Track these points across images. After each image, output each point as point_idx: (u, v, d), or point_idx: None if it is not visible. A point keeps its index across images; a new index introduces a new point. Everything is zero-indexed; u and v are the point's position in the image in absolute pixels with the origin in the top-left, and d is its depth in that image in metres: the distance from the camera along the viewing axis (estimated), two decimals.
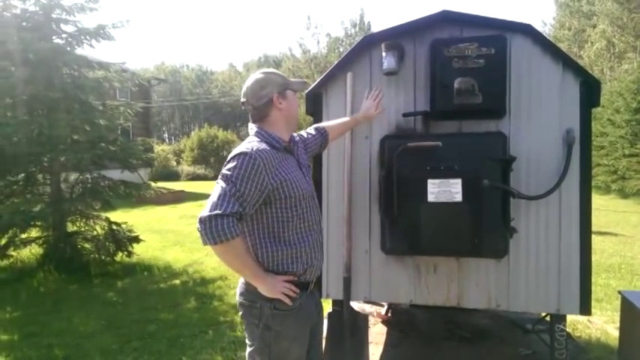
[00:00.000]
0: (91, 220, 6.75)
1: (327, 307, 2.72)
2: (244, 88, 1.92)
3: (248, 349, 1.85)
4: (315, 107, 2.72)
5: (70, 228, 6.71)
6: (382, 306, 3.76)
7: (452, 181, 2.29)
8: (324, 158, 2.68)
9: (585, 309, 2.41)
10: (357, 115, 2.54)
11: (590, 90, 2.40)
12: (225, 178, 1.68)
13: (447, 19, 2.52)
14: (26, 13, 6.23)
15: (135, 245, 6.88)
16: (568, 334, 3.17)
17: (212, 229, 1.59)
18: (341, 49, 45.11)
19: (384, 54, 2.51)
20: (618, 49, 23.97)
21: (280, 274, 1.80)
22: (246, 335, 1.86)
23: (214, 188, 1.70)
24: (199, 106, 50.55)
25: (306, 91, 2.73)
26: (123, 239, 6.75)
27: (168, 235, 9.33)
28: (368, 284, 2.65)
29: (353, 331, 2.63)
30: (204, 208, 1.66)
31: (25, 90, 5.84)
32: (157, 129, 49.74)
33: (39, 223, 6.43)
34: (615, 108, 16.43)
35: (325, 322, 2.75)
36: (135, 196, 7.31)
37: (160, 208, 13.45)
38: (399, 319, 3.48)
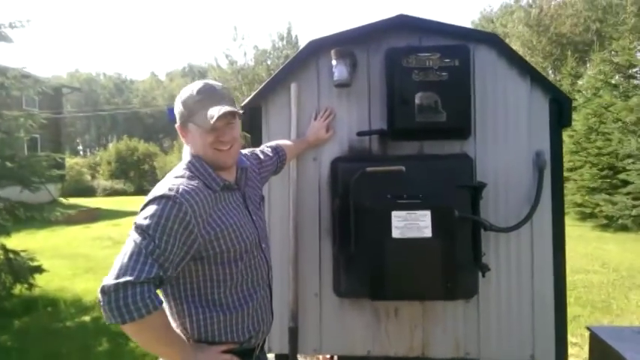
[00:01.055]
0: None
1: None
2: None
3: None
4: (252, 123, 2.28)
5: None
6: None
7: (419, 212, 1.93)
8: (267, 184, 2.23)
9: (561, 354, 2.16)
10: (307, 137, 2.19)
11: (560, 108, 2.18)
12: (141, 230, 1.23)
13: (404, 25, 2.20)
14: None
15: (37, 276, 5.99)
16: None
17: (119, 303, 1.16)
18: (269, 62, 44.87)
19: (334, 62, 2.14)
20: None
21: (216, 344, 1.36)
22: None
23: (125, 243, 1.24)
24: (117, 116, 47.71)
25: (243, 103, 2.29)
26: (22, 269, 5.82)
27: (79, 260, 8.33)
28: (318, 334, 2.22)
29: None
30: (109, 273, 1.19)
31: None
32: (69, 141, 46.22)
33: None
34: None
35: None
36: (38, 219, 6.36)
37: (71, 228, 12.16)
38: None
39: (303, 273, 2.22)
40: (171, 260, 1.24)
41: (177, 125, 1.45)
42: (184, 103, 1.42)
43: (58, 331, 4.82)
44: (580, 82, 15.12)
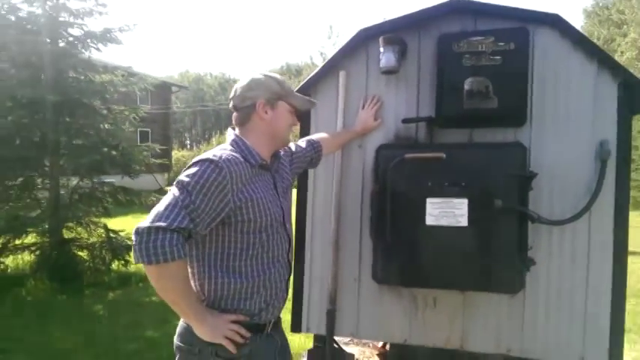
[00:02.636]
0: (89, 227, 6.50)
1: (309, 343, 2.34)
2: (235, 86, 1.62)
3: None
4: (301, 111, 2.35)
5: (67, 235, 6.47)
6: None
7: (456, 201, 1.87)
8: (311, 170, 2.30)
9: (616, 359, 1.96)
10: (354, 127, 2.22)
11: (631, 93, 1.97)
12: (181, 186, 1.35)
13: (458, 9, 2.13)
14: (32, 16, 6.07)
15: (132, 255, 6.59)
16: None
17: (149, 245, 1.26)
18: None
19: (381, 49, 2.14)
20: None
21: (228, 312, 1.43)
22: None
23: (165, 196, 1.36)
24: (221, 112, 50.79)
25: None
26: (120, 247, 6.47)
27: None
28: (356, 318, 2.24)
29: None
30: (146, 218, 1.31)
31: (25, 93, 5.65)
32: (178, 135, 50.16)
33: (34, 229, 6.22)
34: None
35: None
36: (136, 203, 7.05)
37: None
38: (397, 353, 3.05)
39: (343, 257, 2.25)
40: (202, 218, 1.33)
41: (261, 101, 1.55)
42: (281, 84, 1.59)
43: (144, 304, 5.30)
44: None
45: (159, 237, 1.26)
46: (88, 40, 6.52)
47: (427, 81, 2.18)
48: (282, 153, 1.73)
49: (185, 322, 1.47)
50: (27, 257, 6.44)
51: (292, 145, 1.90)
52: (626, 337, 3.74)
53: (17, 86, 5.65)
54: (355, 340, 3.40)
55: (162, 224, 1.27)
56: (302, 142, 2.00)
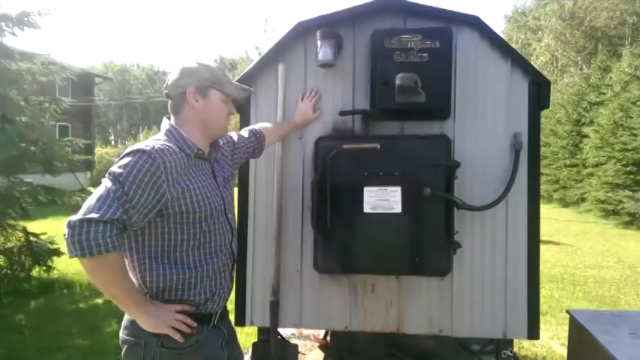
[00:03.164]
0: (5, 231, 6.03)
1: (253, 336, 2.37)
2: (169, 74, 1.60)
3: None
4: (240, 103, 2.37)
5: None
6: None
7: (390, 189, 2.00)
8: (252, 161, 2.33)
9: (533, 333, 2.19)
10: (294, 118, 2.28)
11: (539, 90, 2.19)
12: (113, 177, 1.34)
13: (389, 7, 2.25)
14: None
15: (56, 259, 6.20)
16: (514, 355, 2.98)
17: (81, 237, 1.25)
18: None
19: (319, 43, 2.20)
20: (561, 62, 25.19)
21: (173, 303, 1.44)
22: None
23: (97, 188, 1.34)
24: (149, 106, 48.67)
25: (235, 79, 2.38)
26: (41, 252, 6.07)
27: None
28: (298, 308, 2.31)
29: None
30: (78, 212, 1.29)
31: None
32: (102, 130, 47.45)
33: None
34: (557, 119, 17.08)
35: (249, 353, 2.40)
36: (59, 204, 6.63)
37: None
38: (337, 343, 3.16)
39: (285, 249, 2.30)
40: (137, 209, 1.32)
41: (191, 89, 1.53)
42: (213, 71, 1.56)
43: (70, 312, 5.02)
44: (610, 76, 14.69)
45: (91, 229, 1.25)
46: (3, 24, 6.01)
47: (362, 75, 2.28)
48: (222, 142, 1.73)
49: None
50: None
51: (234, 135, 1.92)
52: (543, 319, 4.16)
53: None
54: (297, 334, 3.47)
55: (95, 216, 1.25)
56: (244, 132, 2.01)
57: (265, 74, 2.36)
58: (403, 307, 2.25)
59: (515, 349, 3.54)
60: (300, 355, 3.04)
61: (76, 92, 20.83)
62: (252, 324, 2.34)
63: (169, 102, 1.59)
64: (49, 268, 6.10)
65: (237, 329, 1.86)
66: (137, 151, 1.38)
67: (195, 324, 1.44)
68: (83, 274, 6.38)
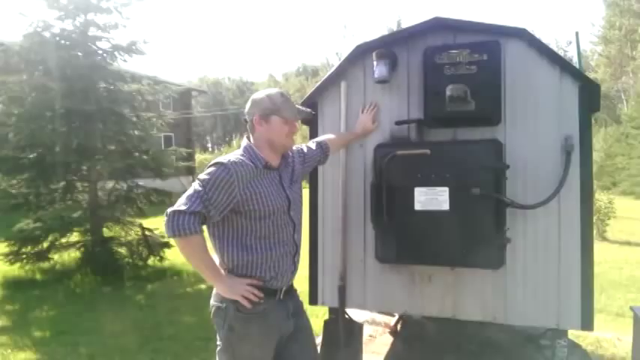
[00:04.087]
0: (126, 226, 7.06)
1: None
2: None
3: (217, 349, 1.93)
4: (309, 118, 2.75)
5: (107, 233, 7.05)
6: (393, 316, 3.71)
7: (439, 189, 2.25)
8: (320, 167, 2.70)
9: (587, 324, 2.30)
10: (355, 129, 2.60)
11: (589, 94, 2.30)
12: (200, 182, 1.79)
13: (439, 25, 2.49)
14: (64, 32, 6.61)
15: (167, 250, 7.12)
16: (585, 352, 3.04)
17: (173, 223, 1.71)
18: None
19: (375, 62, 2.51)
20: None
21: (244, 278, 1.85)
22: (217, 335, 1.93)
23: (189, 189, 1.81)
24: (239, 115, 51.53)
25: (303, 100, 2.77)
26: (155, 244, 7.01)
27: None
28: (362, 292, 2.64)
29: (347, 339, 2.63)
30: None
31: (63, 104, 6.20)
32: (200, 139, 51.13)
33: (78, 229, 6.82)
34: None
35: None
36: (168, 204, 7.57)
37: None
38: (407, 331, 3.43)
39: (350, 242, 2.64)
40: (214, 206, 1.74)
41: (256, 116, 1.93)
42: (273, 100, 1.94)
43: (180, 295, 5.82)
44: None
45: (180, 217, 1.70)
46: (116, 53, 7.06)
47: (416, 88, 2.55)
48: (291, 153, 2.10)
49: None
50: (73, 254, 7.04)
51: (304, 148, 2.27)
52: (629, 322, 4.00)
53: (55, 98, 6.19)
54: (370, 321, 3.78)
55: (183, 208, 1.71)
56: (312, 144, 2.36)
57: (330, 91, 2.72)
58: (458, 295, 2.47)
59: (595, 347, 3.55)
60: (371, 337, 3.37)
61: (177, 106, 22.87)
62: (323, 303, 2.71)
63: (247, 125, 2.00)
64: (162, 259, 7.02)
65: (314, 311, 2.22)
66: (218, 163, 1.82)
67: (261, 295, 1.81)
68: (189, 264, 7.27)
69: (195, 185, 1.78)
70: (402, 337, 3.32)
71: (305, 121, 2.76)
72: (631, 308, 2.56)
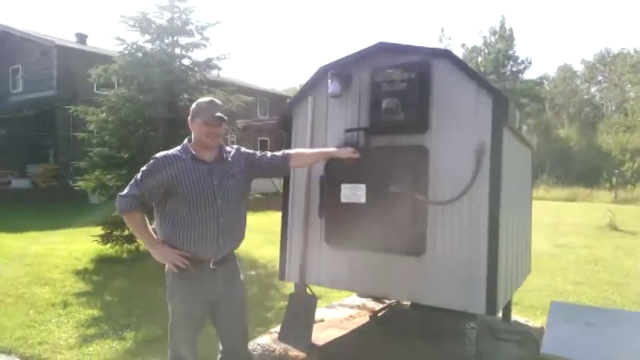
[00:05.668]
0: None
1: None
2: None
3: None
4: (286, 125, 3.37)
5: None
6: (383, 304, 4.14)
7: (359, 185, 2.74)
8: (292, 171, 3.28)
9: (491, 309, 2.61)
10: (333, 150, 2.89)
11: (500, 106, 2.63)
12: (140, 172, 2.41)
13: (381, 49, 2.97)
14: (153, 52, 7.94)
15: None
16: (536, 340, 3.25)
17: (119, 204, 2.39)
18: (479, 59, 43.58)
19: (329, 81, 3.05)
20: None
21: (176, 248, 2.39)
22: None
23: None
24: None
25: (281, 113, 3.39)
26: None
27: (271, 235, 10.52)
28: (318, 271, 3.18)
29: (306, 310, 3.19)
30: None
31: (149, 113, 7.47)
32: None
33: None
34: None
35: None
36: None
37: (278, 213, 14.91)
38: (385, 316, 3.86)
39: (311, 227, 3.19)
40: (147, 189, 2.32)
41: (189, 118, 2.48)
42: (199, 105, 2.50)
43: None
44: None
45: (121, 200, 2.34)
46: (196, 68, 8.26)
47: (365, 102, 3.04)
48: (232, 153, 2.62)
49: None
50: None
51: (258, 153, 2.75)
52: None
53: (144, 108, 7.48)
54: (361, 306, 4.23)
55: (124, 193, 2.35)
56: (273, 153, 2.80)
57: (301, 104, 3.31)
58: (390, 277, 2.91)
59: None
60: (350, 317, 3.87)
61: (274, 111, 24.60)
62: (289, 279, 3.30)
63: None
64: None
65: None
66: (152, 158, 2.42)
67: (188, 263, 2.36)
68: (251, 254, 8.23)
69: (137, 175, 2.40)
70: (376, 319, 3.77)
71: (282, 128, 3.39)
72: (552, 302, 2.77)
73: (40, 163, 18.17)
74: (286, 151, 2.83)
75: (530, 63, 48.72)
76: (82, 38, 21.91)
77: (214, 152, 2.53)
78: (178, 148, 2.51)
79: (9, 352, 3.81)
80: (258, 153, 2.78)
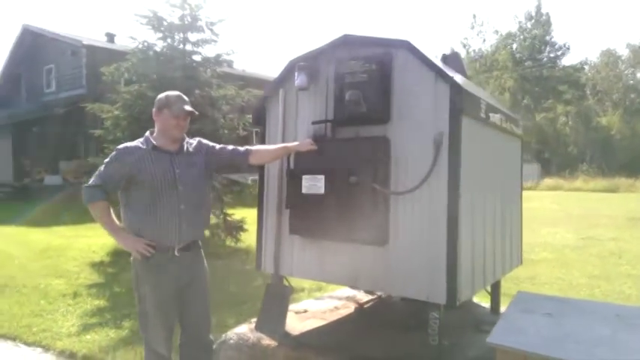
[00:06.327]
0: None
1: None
2: None
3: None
4: (259, 118, 3.43)
5: None
6: (373, 295, 4.16)
7: (318, 176, 2.77)
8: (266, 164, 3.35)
9: (451, 300, 2.60)
10: (293, 145, 2.96)
11: (458, 96, 2.60)
12: (104, 163, 2.55)
13: (345, 41, 2.98)
14: (164, 49, 8.14)
15: (243, 234, 8.27)
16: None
17: (83, 195, 2.52)
18: (514, 46, 42.24)
19: (296, 74, 3.08)
20: None
21: (140, 237, 2.50)
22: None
23: None
24: None
25: (254, 106, 3.46)
26: (232, 227, 8.22)
27: None
28: (290, 261, 3.23)
29: (280, 300, 3.26)
30: None
31: None
32: None
33: None
34: None
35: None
36: (246, 193, 8.76)
37: None
38: (370, 308, 3.90)
39: (284, 219, 3.25)
40: (109, 179, 2.46)
41: (154, 110, 2.59)
42: (167, 99, 2.59)
43: (239, 271, 6.82)
44: None
45: (86, 190, 2.48)
46: (205, 64, 8.42)
47: (331, 94, 3.06)
48: (193, 144, 2.72)
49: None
50: None
51: (217, 146, 2.84)
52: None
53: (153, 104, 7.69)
54: (352, 297, 4.27)
55: (88, 184, 2.49)
56: (235, 147, 2.87)
57: (273, 98, 3.36)
58: (356, 266, 2.93)
59: None
60: (335, 309, 3.92)
61: None
62: (264, 270, 3.38)
63: None
64: (237, 240, 8.19)
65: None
66: (114, 150, 2.55)
67: (152, 251, 2.47)
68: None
69: (100, 166, 2.56)
70: (361, 311, 3.80)
71: (256, 123, 3.46)
72: (518, 292, 2.73)
73: (72, 159, 18.96)
74: (249, 147, 2.89)
75: (568, 48, 46.82)
76: (110, 37, 22.61)
77: (177, 143, 2.63)
78: (140, 140, 2.61)
79: (14, 339, 4.07)
80: (218, 146, 2.87)
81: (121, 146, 2.58)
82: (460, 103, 2.60)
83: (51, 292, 5.56)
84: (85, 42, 19.07)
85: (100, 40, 21.71)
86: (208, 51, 8.56)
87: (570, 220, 11.83)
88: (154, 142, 2.58)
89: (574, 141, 36.52)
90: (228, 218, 8.33)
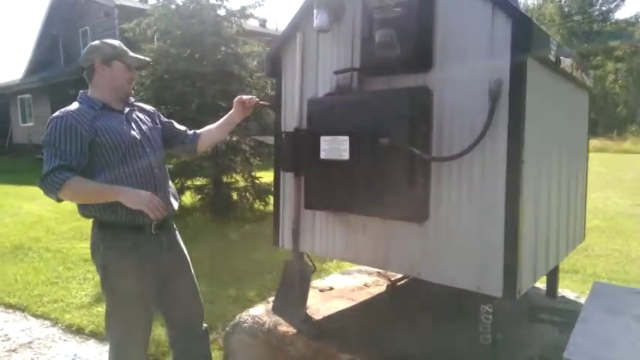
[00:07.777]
0: (238, 174, 8.04)
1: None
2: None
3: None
4: (274, 69, 2.89)
5: (226, 180, 8.13)
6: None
7: (340, 138, 2.23)
8: (282, 122, 2.85)
9: (510, 292, 2.07)
10: (234, 112, 2.61)
11: (523, 31, 1.97)
12: (47, 144, 1.95)
13: None
14: (186, 3, 7.60)
15: (271, 197, 7.90)
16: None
17: (47, 188, 1.90)
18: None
19: (315, 11, 2.50)
20: None
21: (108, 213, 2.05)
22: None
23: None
24: None
25: (267, 54, 2.93)
26: (261, 191, 7.87)
27: None
28: (312, 238, 2.77)
29: (300, 280, 2.83)
30: None
31: (182, 66, 7.24)
32: None
33: (202, 175, 8.02)
34: None
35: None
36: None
37: None
38: (406, 286, 3.42)
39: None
40: (70, 153, 1.89)
41: (98, 61, 2.08)
42: (115, 48, 2.12)
43: (267, 235, 6.51)
44: None
45: (48, 180, 1.86)
46: (231, 18, 7.84)
47: (358, 35, 2.48)
48: (147, 110, 2.34)
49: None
50: (194, 197, 8.35)
51: (166, 120, 2.49)
52: None
53: (175, 62, 7.25)
54: (382, 273, 3.80)
55: (44, 172, 1.88)
56: (185, 129, 2.55)
57: (289, 44, 2.80)
58: (388, 246, 2.43)
59: None
60: (365, 286, 3.48)
61: None
62: (283, 245, 2.94)
63: (84, 72, 2.14)
64: (266, 204, 7.86)
65: None
66: (53, 118, 1.99)
67: (165, 206, 2.02)
68: None
69: (45, 150, 1.94)
70: (394, 289, 3.33)
71: (270, 74, 2.92)
72: (594, 283, 2.17)
73: None
74: (195, 131, 2.57)
75: (622, 1, 42.85)
76: None
77: (123, 103, 2.21)
78: (75, 104, 2.11)
79: (23, 310, 3.86)
80: (165, 119, 2.52)
81: (60, 114, 2.01)
82: (526, 41, 1.97)
83: (72, 256, 5.39)
84: (117, 2, 18.73)
85: (133, 0, 21.32)
86: (233, 4, 7.96)
87: (622, 184, 10.78)
88: (103, 101, 2.12)
89: (624, 100, 33.87)
90: (257, 181, 7.98)
